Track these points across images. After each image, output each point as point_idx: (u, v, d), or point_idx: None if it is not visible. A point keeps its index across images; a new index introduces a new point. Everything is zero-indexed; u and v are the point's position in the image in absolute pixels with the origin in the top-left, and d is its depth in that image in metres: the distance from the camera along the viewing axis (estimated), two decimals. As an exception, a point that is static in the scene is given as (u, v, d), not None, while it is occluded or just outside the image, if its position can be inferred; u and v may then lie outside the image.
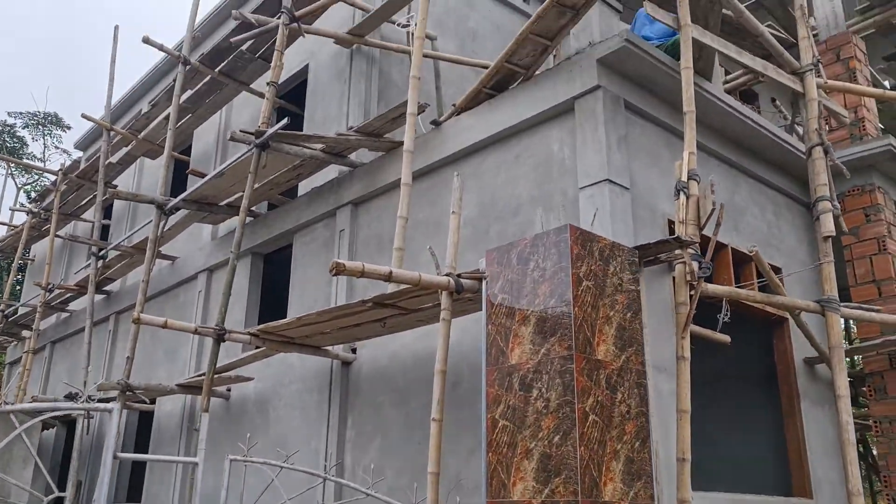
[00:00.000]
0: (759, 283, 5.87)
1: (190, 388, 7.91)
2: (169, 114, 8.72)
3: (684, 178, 4.51)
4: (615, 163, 5.41)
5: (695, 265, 4.38)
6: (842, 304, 5.54)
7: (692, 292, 4.65)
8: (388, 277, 4.14)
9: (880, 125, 9.09)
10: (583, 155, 5.53)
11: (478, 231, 6.22)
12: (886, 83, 9.31)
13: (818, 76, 5.83)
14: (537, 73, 6.17)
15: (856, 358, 9.76)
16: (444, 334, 4.38)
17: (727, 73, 9.12)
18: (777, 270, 6.86)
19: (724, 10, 5.49)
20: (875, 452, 9.24)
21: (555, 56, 7.32)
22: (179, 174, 10.99)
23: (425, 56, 7.11)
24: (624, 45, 5.37)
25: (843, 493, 6.71)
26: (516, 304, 3.69)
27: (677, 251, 4.42)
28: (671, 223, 5.84)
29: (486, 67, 6.76)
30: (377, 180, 7.25)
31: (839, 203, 7.19)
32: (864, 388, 6.70)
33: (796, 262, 7.13)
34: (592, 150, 5.46)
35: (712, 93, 6.08)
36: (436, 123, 6.82)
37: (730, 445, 7.98)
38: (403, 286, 4.50)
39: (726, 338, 6.22)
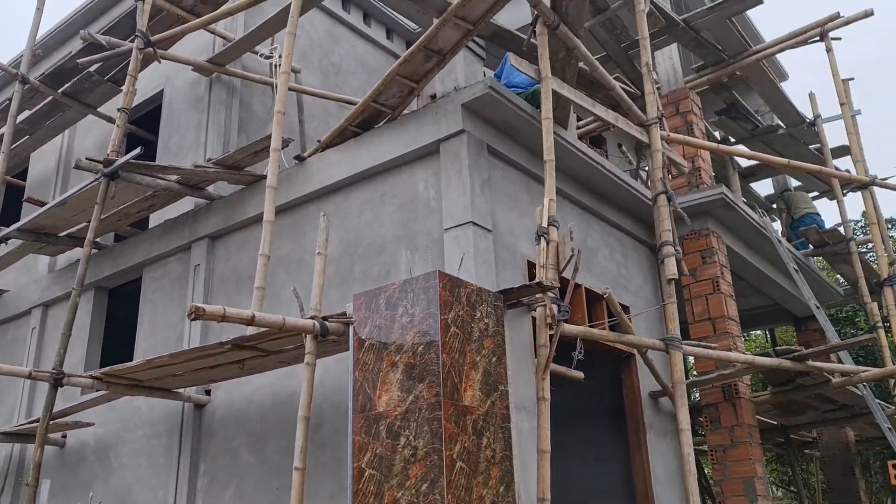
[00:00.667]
0: (609, 322, 6.17)
1: (18, 435, 7.20)
2: (2, 134, 8.03)
3: (545, 224, 4.68)
4: (479, 205, 5.54)
5: (554, 308, 4.54)
6: (683, 341, 5.93)
7: (552, 333, 4.83)
8: (251, 321, 3.99)
9: (713, 173, 9.93)
10: (448, 197, 5.62)
11: (342, 269, 6.15)
12: (717, 135, 10.20)
13: (662, 129, 6.28)
14: (404, 113, 6.24)
15: (694, 391, 10.46)
16: (307, 379, 4.26)
17: (579, 118, 9.64)
18: (625, 309, 7.25)
19: (580, 64, 5.80)
20: (710, 478, 9.89)
21: (419, 97, 7.45)
22: (13, 200, 10.12)
23: (289, 89, 7.00)
24: (487, 91, 5.55)
25: (684, 519, 7.16)
26: (385, 350, 3.66)
27: (538, 295, 4.57)
28: (531, 264, 6.05)
29: (351, 103, 6.76)
30: (237, 214, 7.01)
31: (679, 246, 7.79)
32: (701, 419, 7.18)
33: (642, 301, 7.59)
34: (457, 192, 5.57)
35: (568, 140, 6.40)
36: (300, 158, 6.71)
37: (582, 478, 8.28)
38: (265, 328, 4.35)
39: (580, 374, 6.48)
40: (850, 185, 7.95)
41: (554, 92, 5.58)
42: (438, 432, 3.30)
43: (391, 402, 3.50)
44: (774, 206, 11.74)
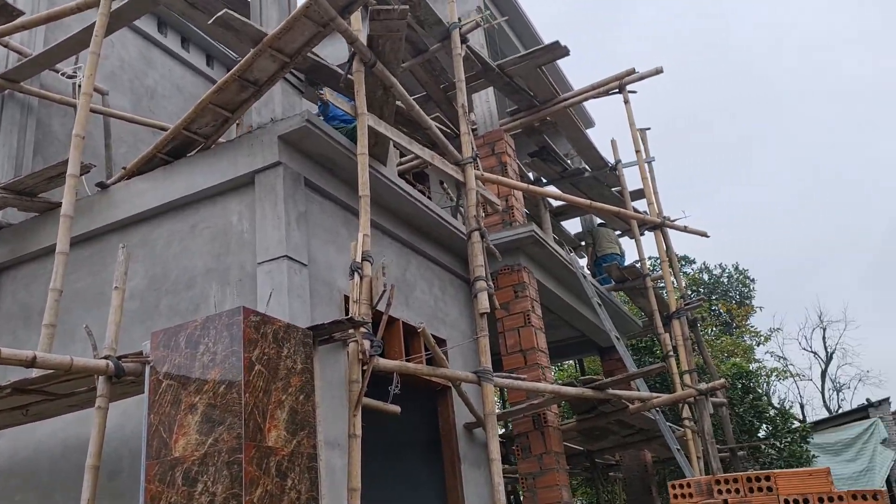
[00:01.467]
0: (426, 355, 6.27)
1: None
2: None
3: (358, 259, 4.69)
4: (294, 239, 5.46)
5: (367, 343, 4.54)
6: (495, 373, 6.15)
7: (364, 368, 4.83)
8: (32, 363, 3.64)
9: (526, 211, 10.46)
10: (262, 229, 5.49)
11: (146, 305, 5.79)
12: (531, 175, 10.79)
13: (476, 168, 6.55)
14: (220, 142, 6.05)
15: (508, 421, 10.85)
16: (99, 424, 3.95)
17: (401, 154, 9.84)
18: (442, 342, 7.42)
19: (398, 102, 5.93)
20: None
21: (238, 125, 7.26)
22: None
23: (94, 112, 6.57)
24: (305, 124, 5.51)
25: (497, 547, 7.35)
26: (183, 390, 3.47)
27: (350, 330, 4.56)
28: (347, 299, 6.04)
29: (163, 129, 6.45)
30: (28, 244, 6.42)
31: (493, 281, 8.11)
32: (514, 448, 7.44)
33: (459, 334, 7.79)
34: (272, 225, 5.45)
35: (386, 176, 6.49)
36: (102, 186, 6.29)
37: None
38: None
39: (396, 408, 6.50)
40: (645, 225, 8.67)
41: (372, 128, 5.67)
42: (238, 476, 3.17)
43: (189, 447, 3.32)
44: (583, 242, 12.55)
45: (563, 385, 6.98)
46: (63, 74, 7.53)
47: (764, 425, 12.74)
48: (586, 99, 8.81)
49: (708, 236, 9.43)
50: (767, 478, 3.54)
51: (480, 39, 9.07)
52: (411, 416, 8.18)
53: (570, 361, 14.67)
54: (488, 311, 6.10)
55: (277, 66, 5.20)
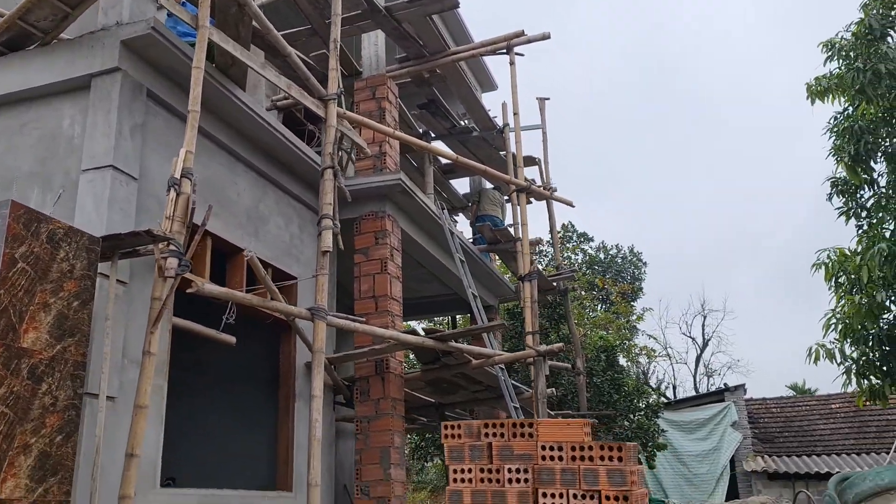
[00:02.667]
0: (269, 287, 6.11)
1: None
2: None
3: (177, 175, 4.54)
4: (124, 150, 5.23)
5: (174, 261, 4.42)
6: (330, 313, 6.12)
7: (193, 291, 4.75)
8: None
9: (414, 164, 10.40)
10: (91, 137, 5.24)
11: (-38, 201, 5.46)
12: (420, 129, 10.68)
13: (341, 106, 6.43)
14: (61, 38, 5.71)
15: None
16: None
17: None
18: (291, 278, 7.35)
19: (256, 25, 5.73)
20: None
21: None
22: None
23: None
24: (150, 32, 5.26)
25: (328, 487, 7.41)
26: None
27: (150, 246, 4.42)
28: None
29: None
30: None
31: (357, 226, 8.05)
32: (354, 391, 7.48)
33: (313, 272, 7.72)
34: (102, 133, 5.21)
35: (241, 99, 6.29)
36: (-72, 71, 5.84)
37: (236, 443, 8.24)
38: None
39: (231, 338, 6.44)
40: (511, 187, 8.76)
41: (225, 49, 5.46)
42: (-20, 373, 3.03)
43: (-68, 339, 3.15)
44: (470, 203, 12.62)
45: (405, 333, 7.02)
46: None
47: (621, 399, 13.28)
48: (474, 56, 8.76)
49: (573, 206, 9.62)
50: (531, 424, 3.66)
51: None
52: (257, 351, 8.12)
53: (443, 317, 14.84)
54: (329, 249, 6.04)
55: (120, -36, 4.90)
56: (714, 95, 74.50)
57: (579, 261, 28.15)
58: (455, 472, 3.70)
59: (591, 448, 3.48)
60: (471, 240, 10.85)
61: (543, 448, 3.57)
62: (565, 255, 29.04)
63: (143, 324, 5.26)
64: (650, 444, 13.67)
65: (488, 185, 12.60)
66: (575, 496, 3.43)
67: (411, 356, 11.80)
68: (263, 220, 6.98)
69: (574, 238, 28.35)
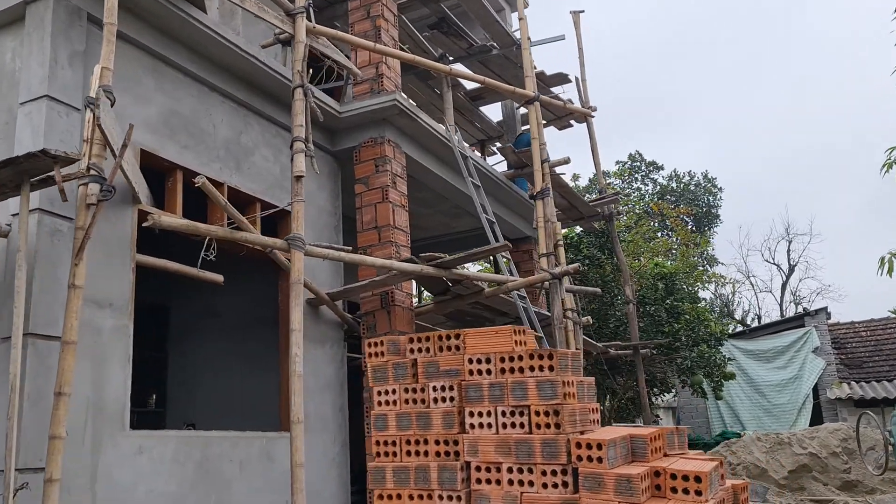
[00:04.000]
0: (233, 215, 5.74)
1: None
2: None
3: (93, 94, 4.18)
4: (62, 79, 4.92)
5: (95, 186, 4.10)
6: (309, 243, 5.73)
7: (149, 224, 4.44)
8: None
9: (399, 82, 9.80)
10: (27, 67, 4.96)
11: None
12: (435, 52, 10.02)
13: (310, 19, 5.93)
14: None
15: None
16: None
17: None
18: (287, 214, 6.98)
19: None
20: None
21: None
22: None
23: None
24: (78, -51, 4.89)
25: (339, 426, 7.16)
26: None
27: (78, 171, 4.10)
28: (144, 153, 5.56)
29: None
30: None
31: (356, 153, 7.60)
32: (360, 326, 7.13)
33: (313, 208, 7.34)
34: (37, 62, 4.92)
35: (203, 22, 5.89)
36: None
37: (244, 385, 8.06)
38: None
39: (218, 277, 6.17)
40: (521, 100, 8.07)
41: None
42: None
43: None
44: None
45: (402, 261, 6.57)
46: None
47: (682, 328, 12.51)
48: (473, -41, 8.04)
49: (592, 115, 8.79)
50: (458, 336, 3.17)
51: None
52: (262, 291, 7.86)
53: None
54: (303, 174, 5.61)
55: None
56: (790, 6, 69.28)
57: (650, 191, 26.92)
58: (379, 393, 3.27)
59: (520, 358, 2.96)
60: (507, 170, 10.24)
61: (471, 361, 3.08)
62: (634, 185, 27.84)
63: (104, 260, 5.05)
64: (716, 373, 12.89)
65: (523, 110, 11.88)
66: (503, 413, 2.94)
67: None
68: (247, 153, 6.62)
69: (643, 167, 27.06)
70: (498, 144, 12.42)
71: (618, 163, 27.32)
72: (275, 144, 6.99)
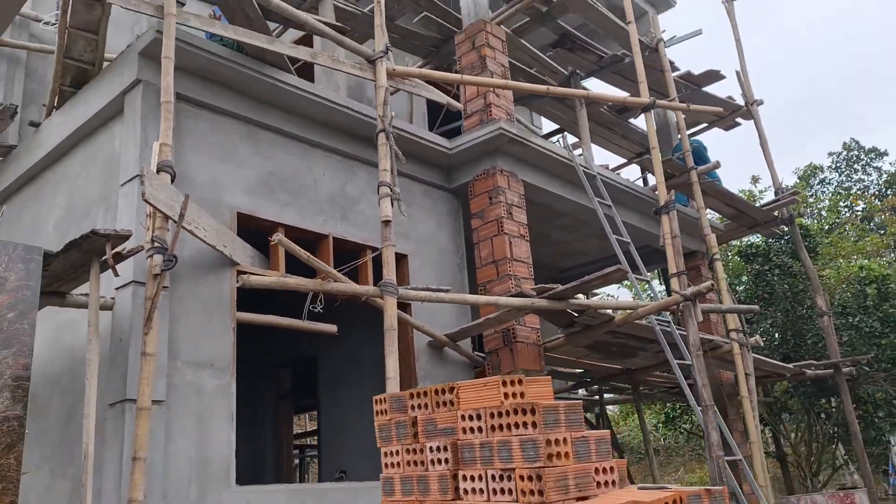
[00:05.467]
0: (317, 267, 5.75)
1: None
2: None
3: (153, 169, 4.42)
4: (163, 150, 5.28)
5: (159, 258, 4.30)
6: (402, 287, 5.63)
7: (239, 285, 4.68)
8: None
9: (511, 108, 9.42)
10: (125, 150, 5.40)
11: (61, 235, 5.98)
12: (566, 70, 9.58)
13: (389, 61, 5.91)
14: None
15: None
16: None
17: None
18: (402, 258, 6.95)
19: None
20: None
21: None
22: None
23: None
24: (156, 36, 5.26)
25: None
26: None
27: (145, 245, 4.33)
28: (241, 215, 5.79)
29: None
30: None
31: (470, 188, 7.41)
32: (486, 366, 6.86)
33: (433, 249, 7.26)
34: (132, 144, 5.34)
35: (295, 84, 6.07)
36: (34, 124, 6.54)
37: (359, 434, 8.05)
38: None
39: (332, 328, 6.23)
40: (637, 108, 7.40)
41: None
42: None
43: None
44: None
45: (512, 295, 6.20)
46: (43, 23, 7.89)
47: (900, 337, 10.69)
48: (579, -30, 7.58)
49: (721, 114, 7.72)
50: (451, 389, 2.79)
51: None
52: (374, 338, 7.87)
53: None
54: (389, 218, 5.55)
55: (105, -21, 4.96)
56: None
57: (874, 180, 23.69)
58: (385, 455, 3.00)
59: (506, 413, 2.54)
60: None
61: (464, 418, 2.72)
62: (854, 177, 24.73)
63: (204, 323, 5.29)
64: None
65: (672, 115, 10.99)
66: (493, 477, 2.54)
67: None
68: (353, 202, 6.69)
69: (861, 156, 23.91)
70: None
71: (830, 154, 24.49)
72: (384, 190, 7.00)
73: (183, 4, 5.88)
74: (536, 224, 9.05)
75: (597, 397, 11.07)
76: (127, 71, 5.49)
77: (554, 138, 11.60)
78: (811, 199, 22.43)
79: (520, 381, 2.68)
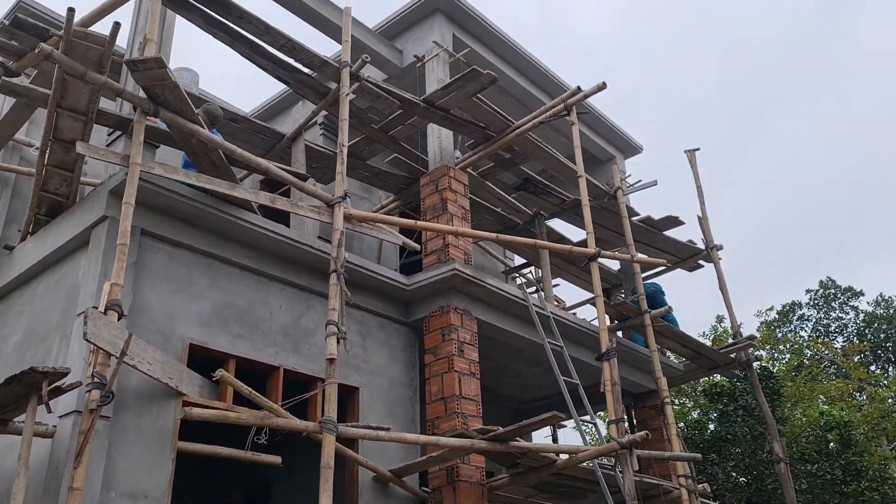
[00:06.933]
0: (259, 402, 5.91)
1: None
2: None
3: (101, 309, 4.68)
4: (112, 290, 5.57)
5: (96, 393, 4.49)
6: (342, 424, 5.77)
7: (180, 417, 4.79)
8: None
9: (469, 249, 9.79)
10: (85, 283, 5.69)
11: (20, 357, 6.17)
12: (530, 212, 10.06)
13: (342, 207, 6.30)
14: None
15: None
16: None
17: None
18: (353, 391, 7.12)
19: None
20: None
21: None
22: None
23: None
24: (125, 178, 5.66)
25: None
26: None
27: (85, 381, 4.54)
28: (194, 347, 6.02)
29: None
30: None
31: (425, 324, 7.67)
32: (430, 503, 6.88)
33: (385, 381, 7.43)
34: (92, 277, 5.63)
35: (255, 223, 6.45)
36: (8, 248, 6.88)
37: None
38: None
39: (276, 459, 6.33)
40: (583, 258, 7.79)
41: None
42: None
43: None
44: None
45: (453, 436, 6.33)
46: (34, 149, 8.39)
47: (865, 489, 10.67)
48: (536, 125, 8.12)
49: (667, 264, 8.13)
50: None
51: (441, 75, 8.80)
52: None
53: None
54: (335, 356, 5.77)
55: (81, 124, 5.41)
56: None
57: (851, 319, 24.04)
58: None
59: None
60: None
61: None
62: (832, 314, 25.09)
63: (142, 453, 5.41)
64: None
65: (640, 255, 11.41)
66: None
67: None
68: (307, 334, 6.93)
69: (838, 295, 24.38)
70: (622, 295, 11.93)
71: (808, 291, 24.98)
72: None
73: (157, 147, 6.39)
74: (499, 356, 9.27)
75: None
76: (96, 207, 5.87)
77: (523, 273, 11.97)
78: (790, 336, 22.71)
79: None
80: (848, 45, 78.28)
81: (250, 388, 5.55)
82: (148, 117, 5.20)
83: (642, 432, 6.30)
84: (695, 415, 13.80)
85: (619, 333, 10.06)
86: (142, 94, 5.23)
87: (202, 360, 6.15)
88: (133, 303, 5.66)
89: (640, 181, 10.72)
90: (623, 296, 9.45)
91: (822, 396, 13.87)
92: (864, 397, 15.12)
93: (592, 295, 11.60)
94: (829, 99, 76.31)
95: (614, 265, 11.97)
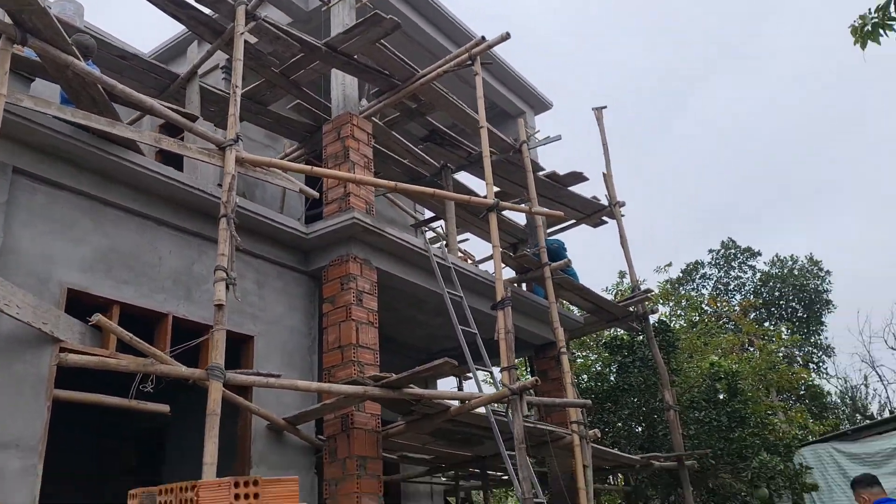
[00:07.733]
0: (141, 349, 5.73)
1: None
2: None
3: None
4: (-25, 230, 5.26)
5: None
6: (230, 371, 5.66)
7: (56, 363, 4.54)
8: None
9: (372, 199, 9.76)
10: (-52, 222, 5.35)
11: None
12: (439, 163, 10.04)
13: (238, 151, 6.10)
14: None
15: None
16: None
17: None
18: (248, 339, 7.02)
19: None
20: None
21: None
22: None
23: None
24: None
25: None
26: None
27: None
28: (72, 291, 5.77)
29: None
30: None
31: (324, 273, 7.59)
32: (325, 451, 6.89)
33: (283, 330, 7.34)
34: (-43, 216, 5.29)
35: (143, 164, 6.19)
36: None
37: None
38: None
39: (163, 408, 6.19)
40: (482, 209, 7.84)
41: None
42: None
43: None
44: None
45: (346, 384, 6.34)
46: None
47: (748, 435, 11.27)
48: (440, 74, 8.04)
49: (563, 217, 8.34)
50: (193, 488, 2.89)
51: (347, 20, 8.55)
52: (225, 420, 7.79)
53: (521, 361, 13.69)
54: (223, 302, 5.62)
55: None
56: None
57: (749, 278, 25.25)
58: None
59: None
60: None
61: (200, 519, 2.81)
62: (732, 273, 26.28)
63: (13, 400, 5.18)
64: (795, 485, 11.46)
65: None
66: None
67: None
68: (199, 281, 6.75)
69: (738, 255, 25.53)
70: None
71: (710, 251, 26.07)
72: (238, 270, 7.08)
73: (32, 80, 6.01)
74: (405, 307, 9.28)
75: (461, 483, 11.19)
76: (-38, 143, 5.49)
77: (431, 226, 11.98)
78: (692, 293, 23.67)
79: (255, 483, 2.81)
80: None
81: (131, 335, 5.39)
82: (14, 45, 4.85)
83: (532, 378, 6.45)
84: (598, 367, 14.24)
85: (524, 286, 10.24)
86: (7, 19, 4.86)
87: (85, 307, 5.89)
88: (3, 244, 5.37)
89: (547, 137, 10.81)
90: (528, 250, 9.56)
91: (717, 349, 14.56)
92: (755, 350, 15.98)
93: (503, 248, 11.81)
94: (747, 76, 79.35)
95: (521, 219, 12.13)
